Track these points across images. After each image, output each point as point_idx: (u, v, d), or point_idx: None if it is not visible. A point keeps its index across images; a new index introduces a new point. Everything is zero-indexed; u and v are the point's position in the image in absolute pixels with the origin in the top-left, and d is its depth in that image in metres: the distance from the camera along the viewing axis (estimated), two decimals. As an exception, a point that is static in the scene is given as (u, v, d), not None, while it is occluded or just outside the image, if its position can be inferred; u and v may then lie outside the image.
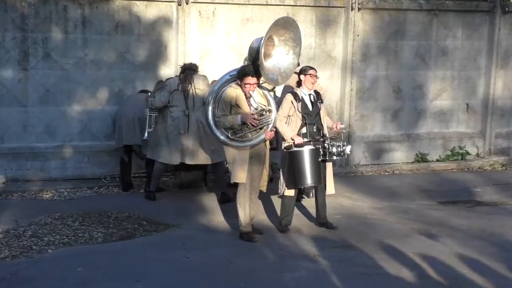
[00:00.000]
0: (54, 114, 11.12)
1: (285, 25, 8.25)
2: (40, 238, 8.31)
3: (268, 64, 8.22)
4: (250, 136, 8.25)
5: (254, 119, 8.17)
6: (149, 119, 10.21)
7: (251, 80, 8.12)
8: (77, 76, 11.17)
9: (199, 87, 10.01)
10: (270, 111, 8.31)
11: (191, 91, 10.00)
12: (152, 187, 10.40)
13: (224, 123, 8.18)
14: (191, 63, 10.31)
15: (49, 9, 10.96)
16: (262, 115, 8.25)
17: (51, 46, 11.02)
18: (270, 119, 8.28)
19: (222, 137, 8.31)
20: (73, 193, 10.66)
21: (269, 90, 8.65)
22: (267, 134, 8.25)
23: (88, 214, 9.39)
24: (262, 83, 8.51)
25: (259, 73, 8.13)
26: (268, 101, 8.39)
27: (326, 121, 8.94)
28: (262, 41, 7.95)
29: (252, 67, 8.18)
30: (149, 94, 10.29)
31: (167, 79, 10.57)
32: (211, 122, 8.38)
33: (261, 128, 8.25)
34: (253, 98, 8.28)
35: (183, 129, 10.03)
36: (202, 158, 10.08)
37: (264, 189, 8.71)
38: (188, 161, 10.18)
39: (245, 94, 8.21)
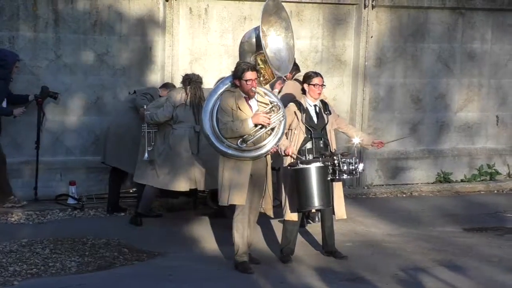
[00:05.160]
0: (21, 125, 11.14)
1: (276, 11, 8.49)
2: (4, 268, 8.28)
3: (269, 53, 8.42)
4: (261, 141, 8.24)
5: (266, 117, 8.18)
6: (148, 137, 10.20)
7: (251, 75, 8.16)
8: (49, 82, 11.19)
9: None
10: (278, 106, 8.32)
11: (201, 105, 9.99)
12: (140, 208, 10.39)
13: (233, 129, 8.12)
14: (193, 74, 10.32)
15: (17, 5, 11.03)
16: (270, 112, 8.26)
17: (19, 47, 11.07)
18: (281, 116, 8.29)
19: (230, 151, 8.24)
20: (43, 216, 10.66)
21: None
22: (273, 148, 8.31)
23: (60, 240, 9.38)
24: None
25: (256, 69, 8.29)
26: (271, 98, 8.42)
27: (354, 133, 9.13)
28: (260, 31, 8.21)
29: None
30: (144, 108, 10.26)
31: (169, 91, 10.56)
32: (212, 138, 8.30)
33: (272, 129, 8.27)
34: (254, 99, 8.35)
35: (195, 147, 10.05)
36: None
37: (270, 213, 8.73)
38: (202, 187, 10.21)
39: (247, 94, 8.25)
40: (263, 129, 8.21)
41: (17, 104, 10.86)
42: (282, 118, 8.31)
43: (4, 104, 10.69)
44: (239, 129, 8.13)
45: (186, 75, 10.29)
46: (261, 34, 8.23)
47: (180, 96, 10.09)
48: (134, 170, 10.52)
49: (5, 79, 10.66)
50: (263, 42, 8.25)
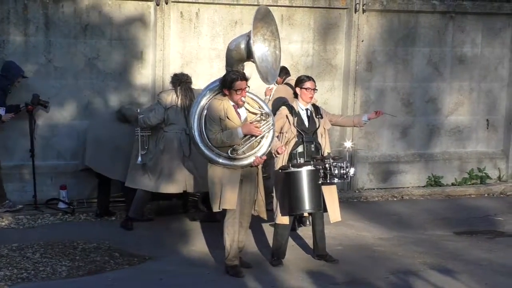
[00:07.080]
0: (11, 130, 11.09)
1: (265, 17, 8.37)
2: (-6, 272, 8.29)
3: (258, 62, 8.29)
4: (251, 150, 8.23)
5: (256, 127, 8.16)
6: (141, 140, 10.14)
7: (242, 84, 8.10)
8: (39, 85, 11.17)
9: None
10: (267, 114, 8.31)
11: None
12: (131, 213, 10.34)
13: (223, 140, 8.10)
14: (182, 74, 10.28)
15: (7, 8, 11.00)
16: (260, 121, 8.25)
17: (9, 51, 11.05)
18: (270, 124, 8.28)
19: (220, 160, 8.19)
20: (34, 220, 10.63)
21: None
22: (257, 159, 8.26)
23: (50, 244, 9.37)
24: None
25: (246, 78, 8.19)
26: (260, 105, 8.41)
27: (344, 121, 9.44)
28: (252, 38, 8.06)
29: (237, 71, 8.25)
30: (138, 111, 10.22)
31: (159, 93, 10.55)
32: (202, 147, 8.25)
33: (262, 137, 8.25)
34: (243, 107, 8.31)
35: (186, 150, 10.03)
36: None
37: (264, 215, 8.70)
38: (193, 189, 10.20)
39: (237, 103, 8.21)
40: (253, 138, 8.20)
41: (10, 113, 10.81)
42: (271, 127, 8.30)
43: (2, 112, 10.65)
44: (229, 140, 8.11)
45: (175, 75, 10.24)
46: (251, 42, 8.14)
47: (170, 98, 10.05)
48: (115, 176, 10.52)
49: (4, 90, 10.69)
50: (253, 50, 8.15)
